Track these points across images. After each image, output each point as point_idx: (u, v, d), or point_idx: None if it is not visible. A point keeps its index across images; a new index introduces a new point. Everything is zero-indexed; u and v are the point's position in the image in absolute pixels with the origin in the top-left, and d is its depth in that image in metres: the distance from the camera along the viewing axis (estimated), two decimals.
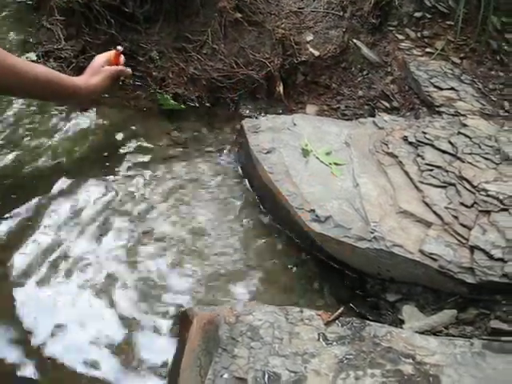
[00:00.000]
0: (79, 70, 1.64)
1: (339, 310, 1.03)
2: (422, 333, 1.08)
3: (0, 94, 1.60)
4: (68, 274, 1.21)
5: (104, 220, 1.35)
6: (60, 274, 1.21)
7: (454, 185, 1.31)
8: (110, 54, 1.58)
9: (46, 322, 1.11)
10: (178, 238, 1.33)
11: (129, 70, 1.63)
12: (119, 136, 1.65)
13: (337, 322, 1.01)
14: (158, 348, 1.10)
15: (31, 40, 1.92)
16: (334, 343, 0.97)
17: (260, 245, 1.34)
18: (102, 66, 1.52)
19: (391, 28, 1.99)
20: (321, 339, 0.97)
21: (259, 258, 1.31)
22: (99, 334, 1.11)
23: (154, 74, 1.84)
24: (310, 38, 1.87)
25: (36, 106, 1.69)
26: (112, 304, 1.17)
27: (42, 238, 1.28)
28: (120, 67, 1.58)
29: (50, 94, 1.42)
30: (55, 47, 1.89)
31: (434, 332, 1.10)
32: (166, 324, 1.14)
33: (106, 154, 1.58)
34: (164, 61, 1.85)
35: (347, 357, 0.95)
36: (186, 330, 1.06)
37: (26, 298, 1.15)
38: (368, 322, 1.03)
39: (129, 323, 1.13)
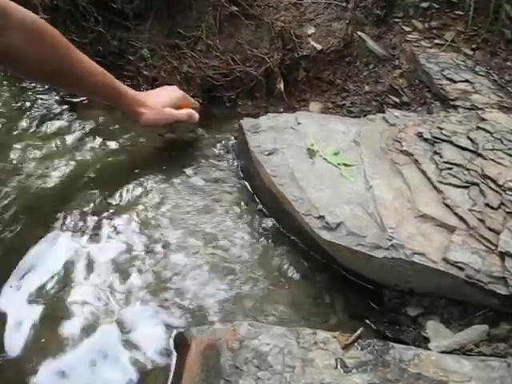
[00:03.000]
0: None
1: (358, 331, 0.90)
2: (450, 352, 0.96)
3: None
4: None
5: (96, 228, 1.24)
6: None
7: (477, 184, 1.19)
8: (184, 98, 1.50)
9: None
10: (175, 246, 1.21)
11: (195, 116, 1.50)
12: (109, 138, 1.53)
13: (355, 344, 0.88)
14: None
15: None
16: (354, 370, 0.84)
17: (264, 255, 1.22)
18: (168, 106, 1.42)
19: (397, 19, 1.88)
20: (339, 366, 0.84)
21: (263, 269, 1.18)
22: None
23: (145, 73, 1.73)
24: (311, 31, 1.75)
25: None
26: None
27: None
28: (183, 115, 1.46)
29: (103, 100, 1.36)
30: None
31: (463, 351, 0.98)
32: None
33: (94, 157, 1.45)
34: (156, 59, 1.74)
35: None
36: (184, 354, 0.93)
37: None
38: (391, 343, 0.90)
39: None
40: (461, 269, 1.03)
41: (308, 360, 0.85)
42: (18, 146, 1.45)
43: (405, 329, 1.07)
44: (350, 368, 0.84)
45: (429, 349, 0.97)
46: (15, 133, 1.51)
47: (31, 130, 1.53)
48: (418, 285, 1.09)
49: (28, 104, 1.63)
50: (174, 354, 0.98)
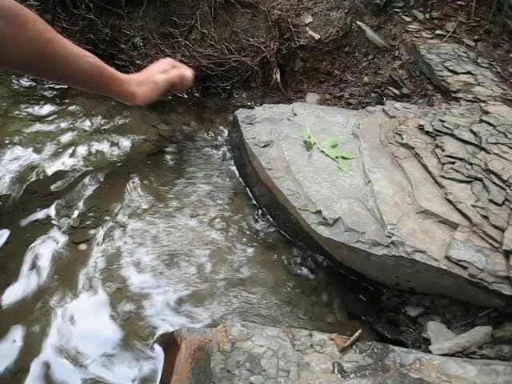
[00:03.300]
0: None
1: (356, 333, 0.85)
2: (452, 355, 0.92)
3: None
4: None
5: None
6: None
7: (480, 179, 1.14)
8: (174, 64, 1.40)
9: None
10: (165, 241, 1.16)
11: (187, 73, 1.40)
12: (101, 129, 1.48)
13: (354, 347, 0.84)
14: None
15: None
16: (353, 375, 0.79)
17: (259, 251, 1.17)
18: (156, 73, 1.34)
19: (397, 9, 1.82)
20: (336, 370, 0.80)
21: (258, 266, 1.14)
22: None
23: (137, 62, 1.69)
24: (309, 19, 1.70)
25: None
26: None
27: None
28: (174, 74, 1.36)
29: (92, 87, 1.26)
30: None
31: (466, 354, 0.93)
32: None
33: (85, 149, 1.40)
34: (148, 48, 1.70)
35: None
36: (173, 356, 0.89)
37: None
38: (391, 346, 0.85)
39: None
40: (464, 267, 0.98)
41: (303, 364, 0.80)
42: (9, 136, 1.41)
43: (404, 329, 1.03)
44: (348, 373, 0.79)
45: (430, 351, 0.92)
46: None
47: (20, 117, 1.48)
48: (418, 284, 1.04)
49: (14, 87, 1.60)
50: (162, 356, 0.93)
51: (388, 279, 1.06)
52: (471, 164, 1.18)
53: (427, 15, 1.82)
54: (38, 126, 1.45)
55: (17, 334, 0.95)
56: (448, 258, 0.99)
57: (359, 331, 0.85)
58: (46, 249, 1.11)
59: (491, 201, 1.09)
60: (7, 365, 0.90)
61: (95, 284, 1.05)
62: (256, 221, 1.24)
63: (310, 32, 1.68)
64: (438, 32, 1.76)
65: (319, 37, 1.68)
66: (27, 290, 1.02)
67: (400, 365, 0.81)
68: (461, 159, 1.19)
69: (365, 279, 1.10)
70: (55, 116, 1.51)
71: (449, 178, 1.15)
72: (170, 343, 0.94)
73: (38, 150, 1.36)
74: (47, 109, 1.54)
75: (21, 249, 1.10)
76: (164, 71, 1.35)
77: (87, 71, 1.17)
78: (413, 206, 1.10)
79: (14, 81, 1.62)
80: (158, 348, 0.95)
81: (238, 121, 1.36)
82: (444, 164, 1.18)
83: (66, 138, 1.43)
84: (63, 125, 1.48)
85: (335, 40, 1.70)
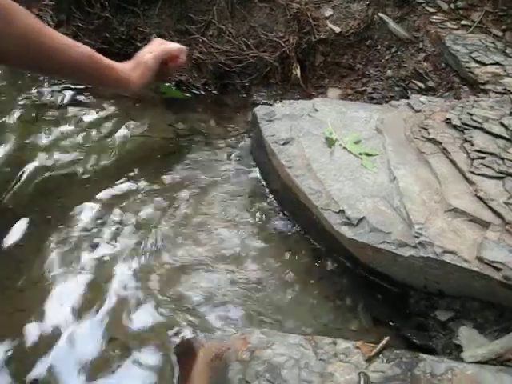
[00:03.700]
0: None
1: (383, 341, 0.80)
2: (485, 362, 0.86)
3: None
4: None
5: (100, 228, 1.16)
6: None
7: None
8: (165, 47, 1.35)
9: None
10: (181, 240, 1.13)
11: (172, 46, 1.36)
12: (117, 130, 1.46)
13: (381, 356, 0.78)
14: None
15: None
16: None
17: (279, 253, 1.13)
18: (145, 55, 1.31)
19: (420, 0, 1.76)
20: (362, 382, 0.75)
21: (278, 269, 1.09)
22: None
23: None
24: (329, 12, 1.65)
25: None
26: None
27: None
28: (160, 49, 1.33)
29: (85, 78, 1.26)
30: None
31: (500, 361, 0.87)
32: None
33: (101, 150, 1.38)
34: None
35: None
36: (190, 364, 0.85)
37: None
38: (421, 354, 0.80)
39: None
40: (497, 269, 0.92)
41: (327, 374, 0.75)
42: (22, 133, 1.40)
43: (434, 335, 0.97)
44: None
45: (462, 359, 0.87)
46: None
47: (34, 119, 1.47)
48: (448, 286, 0.98)
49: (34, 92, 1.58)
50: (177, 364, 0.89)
51: (416, 281, 1.01)
52: (502, 159, 1.12)
53: (452, 5, 1.76)
54: (56, 130, 1.44)
55: None
56: (480, 258, 0.94)
57: (386, 338, 0.80)
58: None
59: None
60: None
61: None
62: (276, 221, 1.20)
63: (331, 25, 1.63)
64: (463, 22, 1.70)
65: (340, 30, 1.63)
66: None
67: (431, 375, 0.76)
68: (491, 154, 1.13)
69: (391, 282, 1.04)
70: (73, 118, 1.49)
71: (479, 174, 1.09)
72: (186, 350, 0.90)
73: (56, 153, 1.36)
74: (64, 112, 1.52)
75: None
76: (152, 51, 1.32)
77: (77, 61, 1.15)
78: (441, 204, 1.04)
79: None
80: (173, 355, 0.91)
81: (256, 118, 1.32)
82: (473, 159, 1.12)
83: (80, 139, 1.41)
84: (79, 123, 1.47)
85: (356, 33, 1.64)
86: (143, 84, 1.30)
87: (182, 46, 1.37)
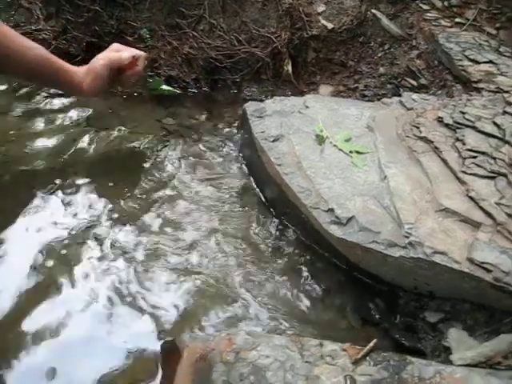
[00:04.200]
0: (58, 53, 1.40)
1: (371, 343, 0.78)
2: (475, 365, 0.85)
3: None
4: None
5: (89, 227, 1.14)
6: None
7: (504, 175, 1.07)
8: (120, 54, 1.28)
9: None
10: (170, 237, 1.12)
11: (125, 55, 1.28)
12: (106, 126, 1.44)
13: (368, 358, 0.77)
14: None
15: (8, 22, 1.70)
16: None
17: (267, 251, 1.11)
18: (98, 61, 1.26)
19: None
20: None
21: (266, 268, 1.07)
22: None
23: None
24: (321, 8, 1.63)
25: None
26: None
27: None
28: (112, 56, 1.26)
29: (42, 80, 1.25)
30: (33, 28, 1.70)
31: (490, 364, 0.86)
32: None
33: (91, 146, 1.37)
34: (155, 40, 1.65)
35: None
36: (173, 365, 0.83)
37: None
38: (409, 357, 0.78)
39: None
40: (488, 270, 0.91)
41: (313, 377, 0.73)
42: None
43: (423, 336, 0.96)
44: None
45: (451, 361, 0.86)
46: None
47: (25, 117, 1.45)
48: (438, 287, 0.97)
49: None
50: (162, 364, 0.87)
51: (405, 282, 1.00)
52: (494, 158, 1.10)
53: (446, 3, 1.74)
54: (40, 124, 1.43)
55: None
56: (470, 260, 0.92)
57: (374, 341, 0.78)
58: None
59: None
60: None
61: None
62: (265, 219, 1.18)
63: (323, 21, 1.61)
64: (457, 20, 1.69)
65: (332, 26, 1.61)
66: None
67: (419, 379, 0.74)
68: (483, 153, 1.12)
69: (380, 282, 1.03)
70: (58, 113, 1.48)
71: (470, 174, 1.08)
72: (171, 350, 0.88)
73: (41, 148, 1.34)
74: (49, 106, 1.51)
75: None
76: (105, 58, 1.26)
77: (34, 63, 1.15)
78: (432, 203, 1.03)
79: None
80: (157, 354, 0.89)
81: (246, 114, 1.30)
82: (465, 158, 1.11)
83: (67, 134, 1.39)
84: (68, 121, 1.46)
85: (349, 29, 1.63)
86: (96, 90, 1.26)
87: (140, 53, 1.30)
